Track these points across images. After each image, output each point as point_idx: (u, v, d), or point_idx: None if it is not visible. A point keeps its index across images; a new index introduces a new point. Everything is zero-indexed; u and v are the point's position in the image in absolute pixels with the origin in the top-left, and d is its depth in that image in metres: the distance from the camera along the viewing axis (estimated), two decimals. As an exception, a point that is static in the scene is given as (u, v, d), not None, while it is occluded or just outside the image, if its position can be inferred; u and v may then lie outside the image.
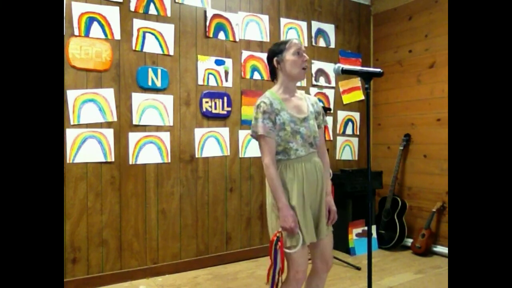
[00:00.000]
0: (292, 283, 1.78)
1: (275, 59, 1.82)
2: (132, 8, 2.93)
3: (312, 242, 1.82)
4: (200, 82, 3.22)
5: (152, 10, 3.01)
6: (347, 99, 4.12)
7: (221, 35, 3.33)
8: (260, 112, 1.74)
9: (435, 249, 3.58)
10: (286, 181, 1.76)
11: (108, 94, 2.85)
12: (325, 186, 1.86)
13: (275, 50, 1.83)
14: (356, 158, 4.18)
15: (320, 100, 3.88)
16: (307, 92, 3.73)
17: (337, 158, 4.03)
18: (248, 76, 3.46)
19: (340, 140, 4.06)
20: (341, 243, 3.60)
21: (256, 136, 1.78)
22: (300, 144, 1.77)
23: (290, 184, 1.75)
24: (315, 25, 3.88)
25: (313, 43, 3.86)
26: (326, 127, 3.75)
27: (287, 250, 1.72)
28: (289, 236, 1.72)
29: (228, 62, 3.36)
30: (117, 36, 2.88)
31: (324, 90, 3.93)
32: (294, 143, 1.76)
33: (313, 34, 3.86)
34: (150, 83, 3.00)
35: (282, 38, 3.65)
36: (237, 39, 3.41)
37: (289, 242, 1.72)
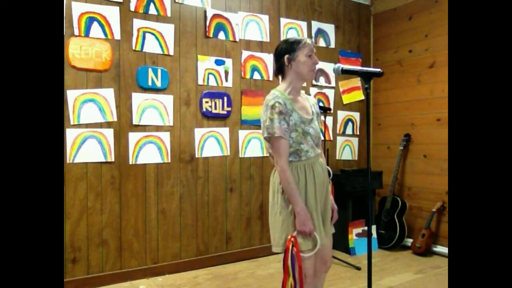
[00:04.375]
0: None
1: (286, 56, 1.78)
2: (132, 8, 2.93)
3: None
4: (200, 82, 3.22)
5: (152, 10, 3.01)
6: (347, 99, 4.11)
7: (221, 35, 3.33)
8: (276, 113, 1.69)
9: (435, 249, 3.58)
10: (299, 184, 1.74)
11: (108, 94, 2.85)
12: (329, 187, 1.89)
13: (288, 48, 1.78)
14: (356, 158, 4.18)
15: (320, 100, 3.88)
16: (307, 93, 3.74)
17: (337, 158, 4.03)
18: (248, 76, 3.46)
19: (340, 140, 4.06)
20: (341, 243, 3.60)
21: (271, 137, 1.72)
22: (310, 145, 1.78)
23: (303, 187, 1.75)
24: (315, 25, 3.88)
25: (313, 43, 3.85)
26: (326, 128, 3.76)
27: (303, 255, 1.70)
28: (305, 240, 1.71)
29: (228, 62, 3.36)
30: (117, 36, 2.88)
31: (324, 90, 3.93)
32: (305, 144, 1.76)
33: (313, 34, 3.86)
34: (150, 83, 3.00)
35: (282, 38, 3.65)
36: (237, 39, 3.41)
37: (304, 246, 1.71)
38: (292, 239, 1.68)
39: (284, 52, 1.79)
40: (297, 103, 1.79)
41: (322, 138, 2.01)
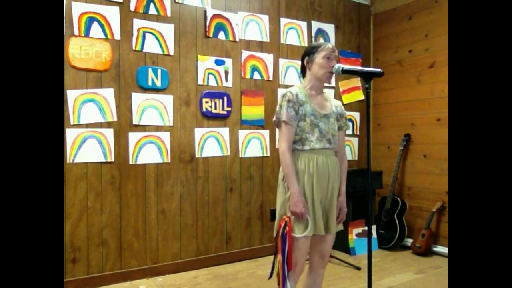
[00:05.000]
0: (289, 275, 1.81)
1: (305, 59, 1.95)
2: (132, 8, 2.93)
3: (316, 237, 1.88)
4: (200, 82, 3.22)
5: (152, 10, 3.01)
6: (347, 99, 4.11)
7: (221, 35, 3.33)
8: (285, 101, 1.85)
9: (435, 249, 3.58)
10: (298, 171, 1.83)
11: (108, 94, 2.85)
12: (337, 184, 1.94)
13: (308, 51, 1.96)
14: (356, 158, 4.18)
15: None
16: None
17: (337, 158, 4.04)
18: (248, 76, 3.46)
19: (340, 140, 4.05)
20: (341, 243, 3.59)
21: (278, 122, 1.88)
22: (317, 137, 1.85)
23: (301, 175, 1.83)
24: (315, 25, 3.88)
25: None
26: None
27: (294, 235, 1.78)
28: (298, 222, 1.79)
29: (228, 62, 3.36)
30: (117, 36, 2.88)
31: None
32: (311, 135, 1.84)
33: (313, 34, 3.86)
34: (150, 83, 3.00)
35: (282, 38, 3.66)
36: (237, 39, 3.41)
37: (297, 228, 1.79)
38: (286, 219, 1.78)
39: (305, 54, 1.97)
40: (314, 98, 1.92)
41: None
